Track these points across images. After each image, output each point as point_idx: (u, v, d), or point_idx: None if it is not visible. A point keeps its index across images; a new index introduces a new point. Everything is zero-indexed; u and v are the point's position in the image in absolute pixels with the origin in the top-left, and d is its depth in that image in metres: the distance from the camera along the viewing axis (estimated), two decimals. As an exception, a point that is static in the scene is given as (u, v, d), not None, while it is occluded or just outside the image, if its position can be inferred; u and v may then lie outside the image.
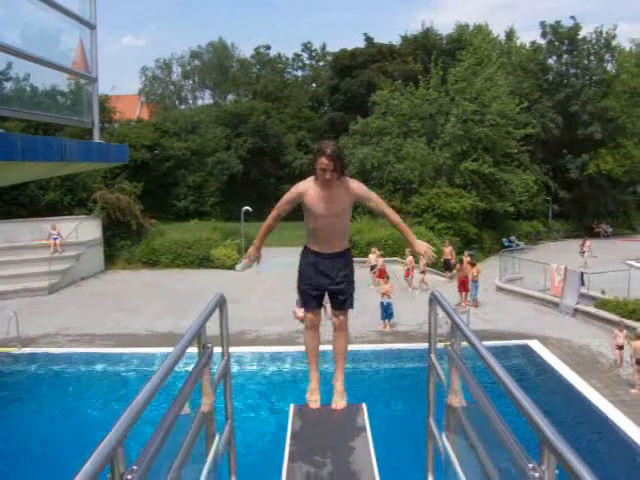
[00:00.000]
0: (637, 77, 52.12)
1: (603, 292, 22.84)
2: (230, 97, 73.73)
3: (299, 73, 74.24)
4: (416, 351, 17.10)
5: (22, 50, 4.09)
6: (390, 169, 41.01)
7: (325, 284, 5.25)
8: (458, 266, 25.66)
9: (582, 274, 23.79)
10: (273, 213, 5.64)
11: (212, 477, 3.55)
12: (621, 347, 16.47)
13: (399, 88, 44.50)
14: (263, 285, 28.70)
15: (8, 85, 4.71)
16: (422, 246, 5.57)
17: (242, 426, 10.65)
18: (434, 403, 4.38)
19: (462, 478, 3.39)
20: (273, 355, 18.66)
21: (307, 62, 73.99)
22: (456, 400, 3.73)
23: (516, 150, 42.61)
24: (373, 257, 28.55)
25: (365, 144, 43.79)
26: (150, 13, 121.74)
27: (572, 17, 51.67)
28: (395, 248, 32.64)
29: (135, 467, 2.19)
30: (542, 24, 52.51)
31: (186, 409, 3.03)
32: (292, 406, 5.88)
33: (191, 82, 79.60)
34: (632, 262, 32.23)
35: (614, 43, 51.93)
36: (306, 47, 72.95)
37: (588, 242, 35.83)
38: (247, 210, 35.88)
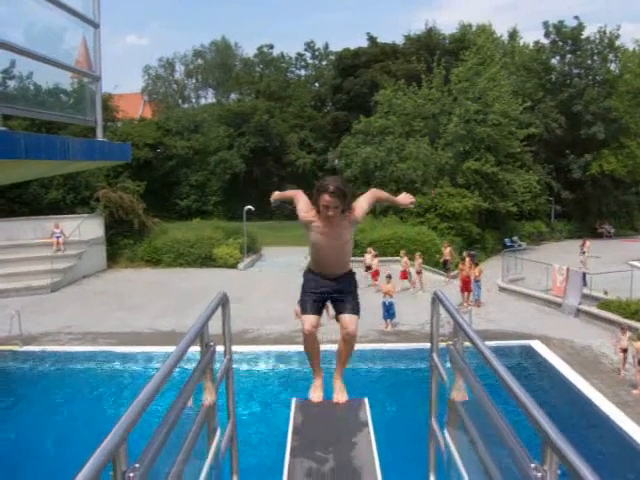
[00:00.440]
0: (640, 77, 52.08)
1: (606, 293, 22.81)
2: (233, 96, 73.76)
3: (302, 72, 74.25)
4: (418, 351, 17.10)
5: (26, 48, 4.09)
6: (393, 169, 40.96)
7: (326, 292, 5.17)
8: (460, 266, 25.59)
9: (584, 274, 23.77)
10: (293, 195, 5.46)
11: (214, 475, 3.55)
12: (625, 350, 16.28)
13: (402, 88, 44.46)
14: (265, 284, 28.73)
15: (12, 83, 4.72)
16: (404, 198, 5.49)
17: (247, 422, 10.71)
18: (436, 403, 4.37)
19: (464, 478, 3.39)
20: (275, 354, 18.63)
21: (310, 61, 73.99)
22: (458, 400, 3.72)
23: (519, 150, 42.55)
24: (368, 257, 28.46)
25: (368, 143, 43.74)
26: (153, 12, 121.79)
27: (576, 17, 51.58)
28: (397, 247, 32.61)
29: (137, 465, 2.19)
30: (545, 24, 52.41)
31: (188, 407, 3.03)
32: (294, 400, 5.88)
33: (194, 81, 79.64)
34: (635, 263, 32.19)
35: (618, 43, 51.83)
36: (309, 46, 72.95)
37: (588, 243, 35.70)
38: (249, 209, 35.89)
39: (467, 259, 26.27)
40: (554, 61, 53.47)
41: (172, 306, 23.67)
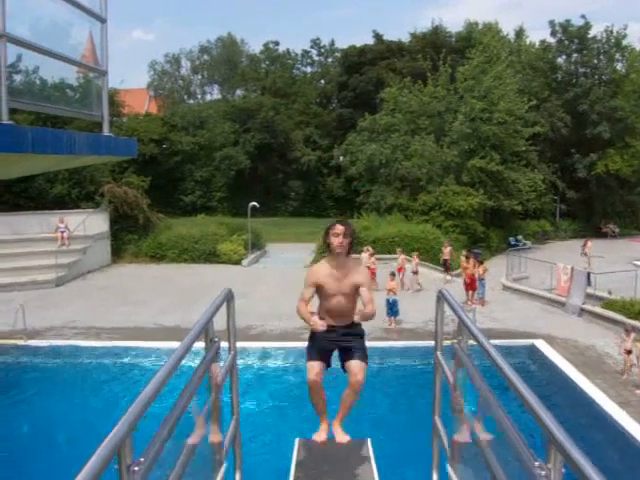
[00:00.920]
0: (647, 77, 51.89)
1: (610, 292, 22.77)
2: (239, 92, 73.77)
3: (308, 69, 74.20)
4: (422, 349, 17.11)
5: (32, 42, 4.09)
6: (398, 166, 40.94)
7: (334, 339, 5.50)
8: (465, 264, 25.50)
9: (589, 274, 23.73)
10: (301, 304, 5.78)
11: (217, 471, 3.56)
12: (629, 352, 16.08)
13: (408, 85, 44.40)
14: (269, 280, 28.74)
15: (18, 77, 4.72)
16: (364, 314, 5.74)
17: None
18: (440, 401, 4.38)
19: (467, 475, 3.39)
20: (278, 350, 18.62)
21: (316, 58, 73.92)
22: (462, 398, 3.72)
23: (524, 148, 42.43)
24: (365, 256, 27.61)
25: (373, 141, 43.70)
26: (160, 7, 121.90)
27: (582, 16, 51.42)
28: (402, 245, 32.58)
29: (142, 459, 2.20)
30: (551, 23, 52.24)
31: (193, 403, 3.04)
32: (297, 440, 5.89)
33: (200, 77, 79.64)
34: (639, 262, 32.11)
35: (624, 43, 51.63)
36: (315, 43, 72.86)
37: (589, 243, 35.47)
38: (254, 205, 35.92)
39: (471, 258, 26.26)
40: (560, 60, 53.31)
41: (176, 302, 23.71)
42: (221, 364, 3.86)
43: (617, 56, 52.13)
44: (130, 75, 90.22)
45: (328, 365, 5.51)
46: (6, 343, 18.88)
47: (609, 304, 21.63)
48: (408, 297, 24.62)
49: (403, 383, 16.60)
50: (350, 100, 59.40)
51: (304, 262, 33.00)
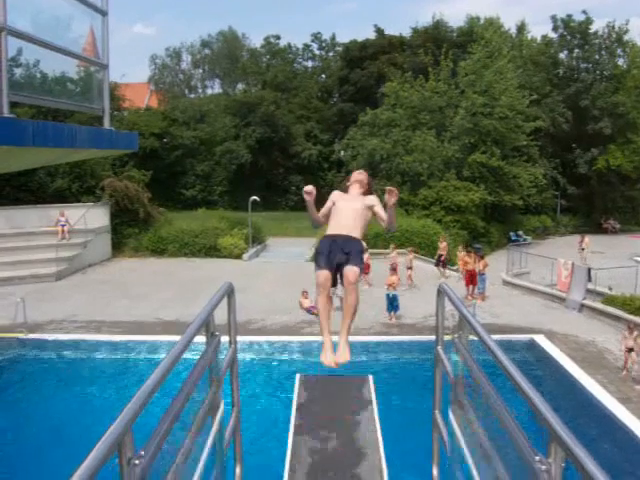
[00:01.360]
0: (648, 72, 51.86)
1: (610, 288, 22.78)
2: (239, 86, 73.73)
3: (309, 64, 74.09)
4: (422, 343, 17.14)
5: (33, 36, 4.09)
6: (399, 161, 40.96)
7: (336, 249, 5.51)
8: (467, 259, 25.46)
9: (589, 270, 23.73)
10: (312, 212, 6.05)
11: (218, 464, 3.57)
12: (631, 349, 15.96)
13: (409, 80, 44.38)
14: (270, 275, 28.76)
15: (19, 71, 4.71)
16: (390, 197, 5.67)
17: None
18: (440, 395, 4.38)
19: (468, 471, 3.39)
20: (279, 344, 18.65)
21: (317, 53, 73.82)
22: (462, 393, 3.73)
23: (525, 143, 42.42)
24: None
25: (374, 136, 43.73)
26: (160, 1, 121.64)
27: (584, 11, 51.41)
28: (402, 240, 32.60)
29: (142, 452, 2.20)
30: (553, 18, 52.25)
31: (193, 397, 3.04)
32: (298, 376, 5.88)
33: (201, 71, 79.58)
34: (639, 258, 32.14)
35: (626, 38, 51.63)
36: (316, 37, 72.74)
37: (587, 239, 35.39)
38: (255, 200, 35.93)
39: (472, 253, 26.24)
40: (562, 55, 53.33)
41: (176, 296, 23.74)
42: (222, 358, 3.87)
43: (619, 51, 52.20)
44: (131, 69, 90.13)
45: (334, 282, 5.73)
46: (7, 337, 18.90)
47: (609, 300, 21.63)
48: (410, 292, 24.66)
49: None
50: (351, 95, 59.36)
51: (304, 256, 33.03)
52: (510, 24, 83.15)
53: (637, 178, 52.49)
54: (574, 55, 52.54)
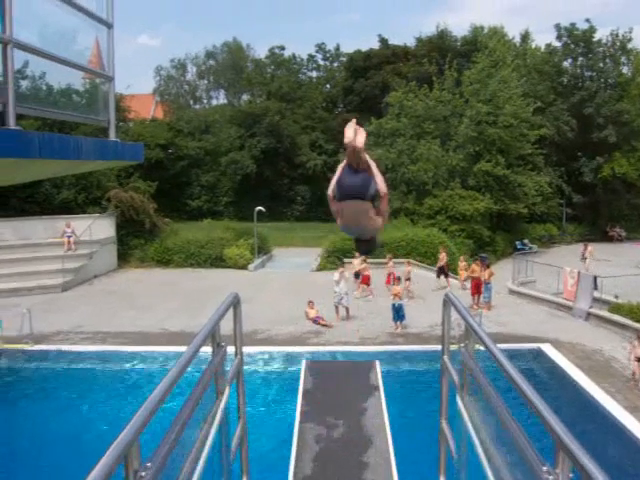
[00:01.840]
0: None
1: (616, 296, 22.70)
2: (244, 97, 73.87)
3: (313, 74, 74.16)
4: (428, 353, 17.11)
5: (39, 48, 4.11)
6: (404, 170, 40.93)
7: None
8: (473, 267, 25.39)
9: (595, 278, 23.66)
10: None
11: (224, 476, 3.56)
12: None
13: (413, 90, 44.39)
14: (275, 285, 28.75)
15: (25, 83, 4.73)
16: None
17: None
18: (446, 404, 4.37)
19: (474, 480, 3.38)
20: (284, 355, 18.62)
21: (321, 63, 73.88)
22: (469, 402, 3.71)
23: (530, 151, 42.37)
24: (357, 262, 27.04)
25: (379, 145, 43.70)
26: (165, 13, 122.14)
27: (587, 20, 51.45)
28: (408, 250, 32.58)
29: (149, 464, 2.20)
30: (557, 26, 52.31)
31: (199, 407, 3.04)
32: (304, 362, 5.85)
33: (206, 82, 79.79)
34: (646, 266, 32.06)
35: (630, 46, 51.62)
36: (320, 48, 72.84)
37: (590, 248, 35.16)
38: (260, 210, 35.94)
39: (461, 263, 26.34)
40: (566, 64, 53.33)
41: (182, 306, 23.74)
42: (227, 369, 3.86)
43: (623, 59, 52.15)
44: (136, 80, 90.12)
45: None
46: (13, 348, 18.91)
47: (616, 308, 21.56)
48: (415, 302, 24.62)
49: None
50: (356, 104, 59.40)
51: (310, 266, 33.04)
52: (514, 33, 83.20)
53: (643, 186, 52.36)
54: (578, 63, 52.57)
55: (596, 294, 23.17)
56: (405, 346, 19.22)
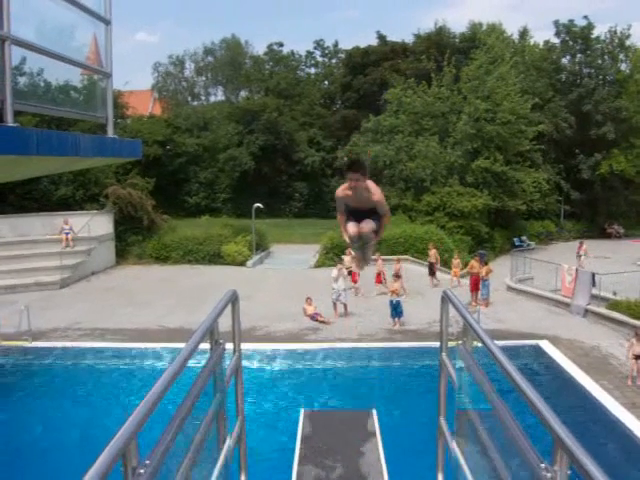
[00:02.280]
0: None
1: (615, 293, 22.73)
2: (242, 94, 73.78)
3: (312, 70, 74.11)
4: (426, 349, 17.11)
5: (37, 45, 4.10)
6: (402, 167, 40.95)
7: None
8: (472, 264, 25.39)
9: (593, 275, 23.68)
10: (339, 215, 6.79)
11: (222, 473, 3.56)
12: (638, 357, 15.74)
13: (412, 86, 44.37)
14: (274, 282, 28.75)
15: (23, 80, 4.72)
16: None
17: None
18: (444, 402, 4.37)
19: (473, 477, 3.38)
20: (283, 351, 18.62)
21: (320, 60, 73.87)
22: (467, 399, 3.72)
23: (528, 148, 42.37)
24: (348, 259, 26.49)
25: (377, 142, 43.72)
26: (164, 9, 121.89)
27: (585, 16, 51.44)
28: (406, 246, 32.60)
29: (147, 461, 2.20)
30: (556, 23, 52.30)
31: (198, 405, 3.04)
32: (302, 411, 5.87)
33: (204, 78, 79.65)
34: (644, 263, 32.05)
35: (628, 43, 51.61)
36: (319, 44, 72.82)
37: (585, 246, 35.01)
38: (258, 207, 35.93)
39: (454, 260, 26.39)
40: (564, 60, 53.32)
41: (180, 303, 23.74)
42: (226, 365, 3.86)
43: (621, 56, 52.14)
44: (134, 77, 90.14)
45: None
46: (12, 345, 18.91)
47: (614, 305, 21.59)
48: (413, 298, 24.59)
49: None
50: (354, 101, 59.39)
51: (309, 263, 33.03)
52: (513, 30, 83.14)
53: (641, 183, 52.35)
54: (576, 60, 52.55)
55: (594, 291, 23.20)
56: (403, 343, 19.22)
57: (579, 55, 52.18)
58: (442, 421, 4.32)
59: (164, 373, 2.53)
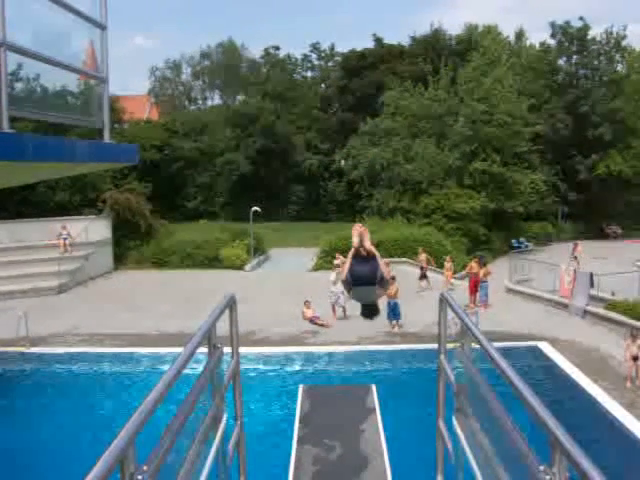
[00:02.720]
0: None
1: (613, 294, 22.73)
2: (239, 97, 73.87)
3: (308, 74, 74.19)
4: (425, 351, 17.10)
5: (33, 50, 4.10)
6: (399, 170, 40.98)
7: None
8: (471, 265, 25.37)
9: (592, 275, 23.68)
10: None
11: (222, 477, 3.55)
12: (635, 358, 15.69)
13: (408, 89, 44.44)
14: (272, 285, 28.72)
15: (19, 85, 4.72)
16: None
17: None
18: (443, 404, 4.36)
19: (472, 479, 3.38)
20: (281, 355, 18.61)
21: (316, 63, 73.93)
22: (465, 401, 3.71)
23: (526, 148, 42.41)
24: (338, 263, 26.76)
25: (374, 145, 43.78)
26: (160, 14, 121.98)
27: (581, 18, 51.51)
28: (405, 248, 32.59)
29: (145, 467, 2.19)
30: (552, 24, 52.32)
31: (196, 409, 3.03)
32: (301, 387, 5.86)
33: (201, 82, 79.76)
34: (642, 264, 32.00)
35: (624, 43, 51.69)
36: (315, 48, 72.88)
37: (580, 248, 34.91)
38: (256, 210, 35.93)
39: (447, 264, 26.36)
40: (560, 62, 53.38)
41: (178, 307, 23.69)
42: (224, 369, 3.85)
43: (617, 57, 52.20)
44: (131, 81, 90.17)
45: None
46: (10, 350, 18.88)
47: (613, 305, 21.59)
48: (412, 300, 24.58)
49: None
50: (351, 104, 59.38)
51: (307, 266, 33.02)
52: (509, 31, 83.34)
53: (638, 183, 52.32)
54: (573, 61, 52.62)
55: (592, 292, 23.21)
56: (402, 345, 19.22)
57: (575, 56, 52.23)
58: (441, 423, 4.32)
59: (162, 378, 2.52)
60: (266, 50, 72.76)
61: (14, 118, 3.77)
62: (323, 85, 70.17)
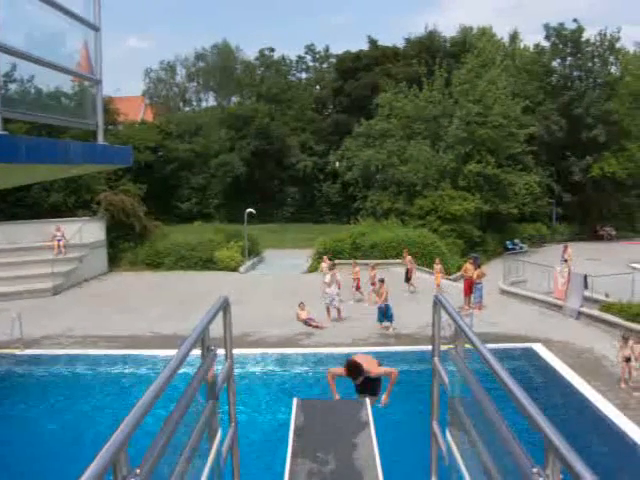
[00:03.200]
0: (641, 80, 51.99)
1: (607, 295, 22.76)
2: (234, 99, 73.87)
3: (303, 75, 74.28)
4: (418, 353, 17.12)
5: (26, 52, 4.09)
6: (394, 171, 41.02)
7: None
8: (466, 267, 25.41)
9: (586, 277, 23.72)
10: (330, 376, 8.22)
11: (215, 480, 3.55)
12: (628, 359, 15.68)
13: (403, 90, 44.50)
14: (266, 287, 28.72)
15: (12, 87, 4.71)
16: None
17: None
18: (437, 406, 4.36)
19: (466, 482, 3.38)
20: (275, 357, 18.58)
21: (311, 64, 74.01)
22: (459, 403, 3.71)
23: (520, 150, 42.47)
24: (325, 266, 26.63)
25: (369, 146, 43.82)
26: (155, 15, 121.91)
27: (575, 20, 51.62)
28: (399, 250, 32.59)
29: (138, 470, 2.18)
30: (546, 26, 52.43)
31: (190, 412, 3.02)
32: (295, 400, 5.86)
33: (195, 84, 79.72)
34: (636, 265, 32.06)
35: (618, 45, 51.85)
36: (310, 49, 72.96)
37: (569, 250, 34.88)
38: (250, 212, 35.91)
39: (436, 266, 26.46)
40: (555, 64, 53.49)
41: (173, 309, 23.67)
42: (218, 372, 3.85)
43: (611, 59, 52.34)
44: (125, 83, 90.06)
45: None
46: (3, 352, 18.83)
47: (606, 307, 21.63)
48: (407, 301, 24.58)
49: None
50: (345, 106, 59.49)
51: (301, 268, 33.03)
52: (503, 33, 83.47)
53: (632, 185, 52.47)
54: (567, 63, 52.74)
55: (587, 293, 23.26)
56: (396, 347, 19.21)
57: (569, 58, 52.36)
58: (435, 425, 4.32)
59: (155, 380, 2.51)
60: (261, 52, 72.87)
61: (7, 119, 3.76)
62: (318, 87, 70.26)
